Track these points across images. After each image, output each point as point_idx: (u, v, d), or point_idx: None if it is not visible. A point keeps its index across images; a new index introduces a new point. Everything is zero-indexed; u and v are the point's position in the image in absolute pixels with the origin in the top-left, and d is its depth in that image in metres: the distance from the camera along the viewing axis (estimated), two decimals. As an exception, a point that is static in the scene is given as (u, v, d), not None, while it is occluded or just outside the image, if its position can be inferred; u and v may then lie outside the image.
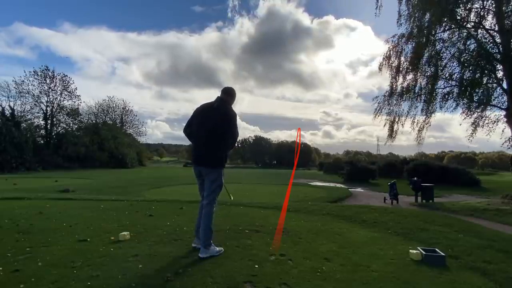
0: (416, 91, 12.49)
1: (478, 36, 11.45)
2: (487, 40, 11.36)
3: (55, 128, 42.10)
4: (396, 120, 13.14)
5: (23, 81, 37.94)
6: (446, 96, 12.27)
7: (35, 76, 39.32)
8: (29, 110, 38.90)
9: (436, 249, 3.25)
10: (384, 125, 13.43)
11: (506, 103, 11.26)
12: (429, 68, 12.09)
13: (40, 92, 39.94)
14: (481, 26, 11.15)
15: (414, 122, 13.00)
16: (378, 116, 13.41)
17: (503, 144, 11.99)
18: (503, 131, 11.87)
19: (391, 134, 13.36)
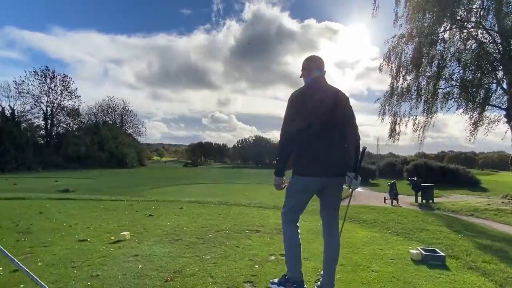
0: (417, 91, 12.49)
1: (478, 37, 11.45)
2: (487, 41, 11.36)
3: (55, 128, 42.16)
4: (398, 121, 13.12)
5: (23, 81, 38.07)
6: (447, 96, 12.28)
7: (35, 76, 39.41)
8: (29, 110, 38.99)
9: (436, 249, 3.25)
10: (390, 127, 13.36)
11: (506, 103, 11.27)
12: (429, 69, 12.09)
13: (40, 92, 40.03)
14: (481, 26, 11.15)
15: (415, 122, 13.00)
16: (382, 117, 13.38)
17: None
18: (506, 132, 11.79)
19: (392, 134, 13.34)
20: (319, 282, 2.33)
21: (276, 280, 2.34)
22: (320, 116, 2.16)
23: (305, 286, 2.23)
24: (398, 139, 13.35)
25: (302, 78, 2.38)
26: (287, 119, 2.20)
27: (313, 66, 2.31)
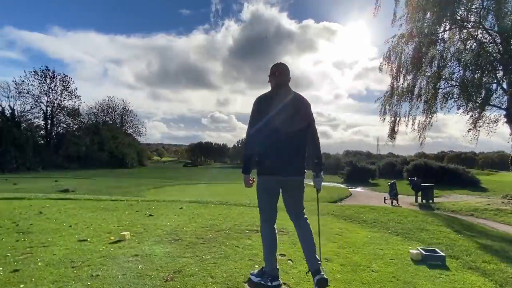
0: (417, 91, 12.50)
1: (478, 36, 11.45)
2: (487, 40, 11.36)
3: (55, 128, 42.12)
4: (397, 120, 13.13)
5: (23, 81, 38.04)
6: (447, 96, 12.29)
7: (35, 76, 39.37)
8: (29, 110, 38.96)
9: (436, 249, 3.25)
10: (390, 127, 13.33)
11: (506, 103, 11.26)
12: (429, 69, 12.10)
13: (40, 92, 39.97)
14: (481, 26, 11.15)
15: (415, 122, 12.99)
16: (383, 117, 13.36)
17: None
18: (510, 135, 11.71)
19: (391, 134, 13.33)
20: (310, 273, 2.39)
21: (255, 272, 2.55)
22: (283, 119, 2.31)
23: (280, 278, 2.47)
24: (395, 137, 13.35)
25: (270, 83, 2.51)
26: (251, 122, 2.38)
27: (278, 72, 2.44)
